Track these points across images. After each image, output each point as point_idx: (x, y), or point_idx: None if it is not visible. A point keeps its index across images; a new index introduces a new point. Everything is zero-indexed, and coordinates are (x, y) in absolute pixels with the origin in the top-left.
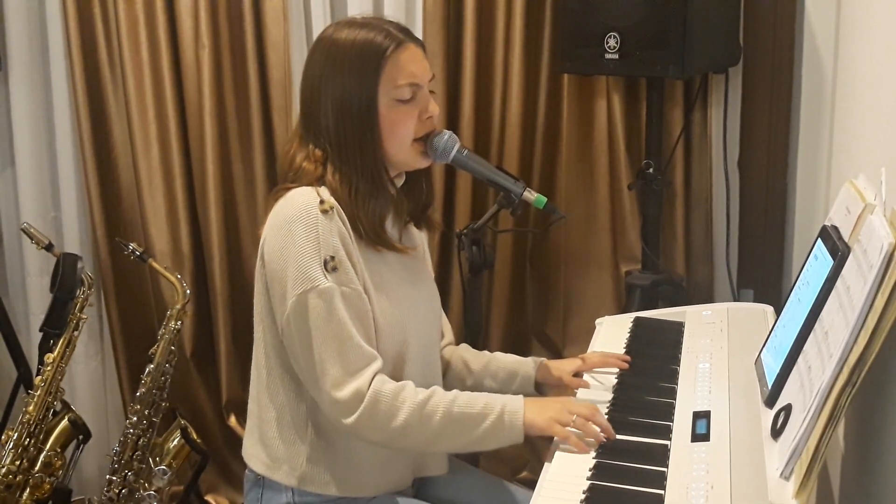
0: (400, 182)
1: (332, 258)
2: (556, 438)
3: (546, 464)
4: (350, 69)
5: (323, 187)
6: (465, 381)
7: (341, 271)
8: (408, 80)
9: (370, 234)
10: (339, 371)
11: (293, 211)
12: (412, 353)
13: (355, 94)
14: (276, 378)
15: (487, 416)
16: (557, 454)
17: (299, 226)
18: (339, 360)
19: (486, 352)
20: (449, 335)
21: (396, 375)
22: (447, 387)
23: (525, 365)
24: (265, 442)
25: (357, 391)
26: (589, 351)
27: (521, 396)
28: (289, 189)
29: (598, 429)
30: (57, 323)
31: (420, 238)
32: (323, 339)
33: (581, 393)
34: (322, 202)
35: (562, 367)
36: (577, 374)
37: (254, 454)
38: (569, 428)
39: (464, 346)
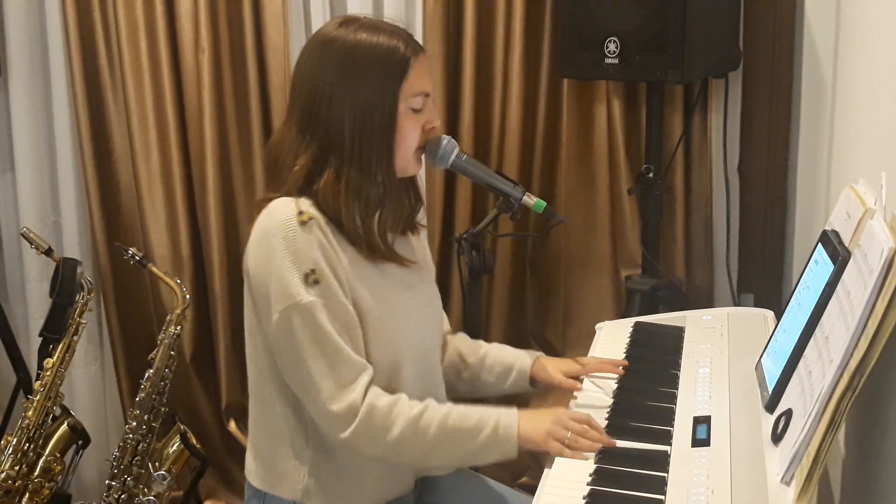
0: None
1: (313, 271)
2: None
3: (546, 469)
4: (374, 76)
5: (304, 198)
6: (461, 373)
7: (323, 284)
8: (422, 90)
9: (374, 243)
10: (331, 384)
11: (272, 224)
12: (408, 360)
13: (378, 101)
14: (272, 393)
15: (482, 429)
16: (557, 459)
17: (278, 240)
18: (329, 374)
19: (481, 342)
20: (446, 324)
21: (391, 382)
22: (443, 376)
23: (521, 360)
24: (263, 457)
25: (351, 405)
26: (589, 356)
27: (515, 410)
28: (270, 200)
29: (591, 443)
30: (56, 328)
31: (417, 241)
32: (310, 353)
33: (582, 398)
34: (301, 213)
35: (557, 368)
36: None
37: (253, 469)
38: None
39: (460, 335)
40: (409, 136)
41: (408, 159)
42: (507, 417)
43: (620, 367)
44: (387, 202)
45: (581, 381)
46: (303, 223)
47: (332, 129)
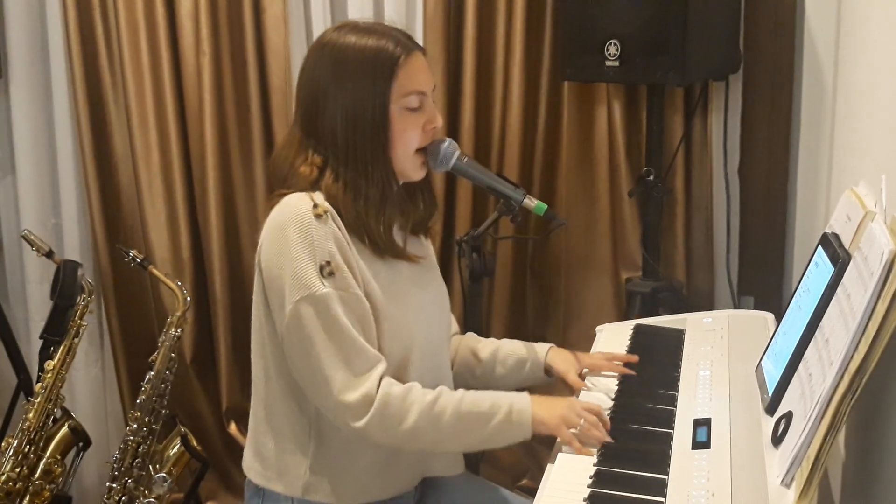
0: None
1: (328, 263)
2: (557, 441)
3: (546, 471)
4: (363, 77)
5: (317, 192)
6: (475, 370)
7: (338, 276)
8: (416, 89)
9: (379, 242)
10: (345, 375)
11: (287, 217)
12: (416, 357)
13: (368, 102)
14: (277, 389)
15: (496, 414)
16: (558, 461)
17: (293, 232)
18: (343, 364)
19: (492, 339)
20: (454, 325)
21: (399, 379)
22: (456, 377)
23: (534, 351)
24: (264, 454)
25: (366, 395)
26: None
27: (526, 393)
28: (283, 195)
29: (601, 435)
30: (57, 330)
31: (429, 244)
32: (325, 344)
33: (583, 400)
34: (316, 206)
35: (572, 365)
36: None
37: (253, 466)
38: (573, 431)
39: (470, 334)
40: (406, 136)
41: (407, 161)
42: (521, 401)
43: (625, 364)
44: (388, 202)
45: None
46: (318, 216)
47: (327, 131)
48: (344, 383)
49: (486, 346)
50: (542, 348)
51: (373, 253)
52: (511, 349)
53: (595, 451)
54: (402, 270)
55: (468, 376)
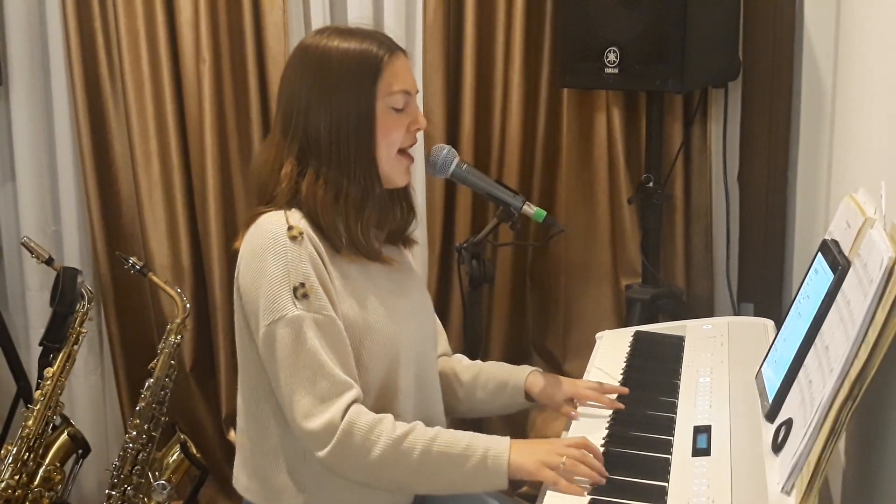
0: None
1: (302, 285)
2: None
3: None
4: (347, 79)
5: (293, 210)
6: (457, 392)
7: (313, 298)
8: (401, 88)
9: (356, 243)
10: (310, 401)
11: (262, 239)
12: (404, 368)
13: (353, 106)
14: (266, 410)
15: (469, 457)
16: (549, 494)
17: (268, 254)
18: (309, 390)
19: (477, 361)
20: (443, 346)
21: (390, 392)
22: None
23: (514, 375)
24: (260, 474)
25: (329, 423)
26: (589, 366)
27: (507, 438)
28: (260, 214)
29: (588, 469)
30: (57, 337)
31: (410, 254)
32: (293, 368)
33: (582, 407)
34: (291, 228)
35: (556, 390)
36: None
37: (250, 487)
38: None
39: (457, 356)
40: (390, 135)
41: (391, 163)
42: (499, 446)
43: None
44: (369, 203)
45: (576, 406)
46: (293, 238)
47: (310, 133)
48: (307, 409)
49: (469, 370)
50: (522, 372)
51: (349, 264)
52: (492, 373)
53: (586, 488)
54: (381, 281)
55: (451, 399)
